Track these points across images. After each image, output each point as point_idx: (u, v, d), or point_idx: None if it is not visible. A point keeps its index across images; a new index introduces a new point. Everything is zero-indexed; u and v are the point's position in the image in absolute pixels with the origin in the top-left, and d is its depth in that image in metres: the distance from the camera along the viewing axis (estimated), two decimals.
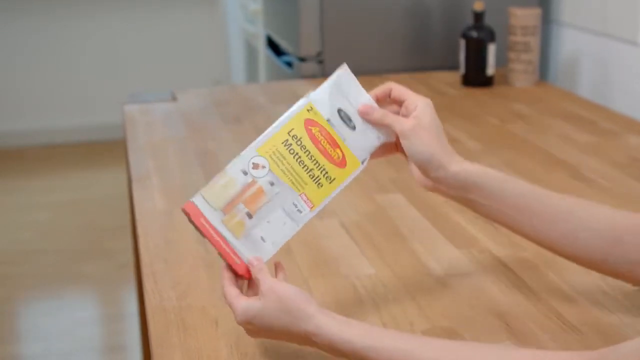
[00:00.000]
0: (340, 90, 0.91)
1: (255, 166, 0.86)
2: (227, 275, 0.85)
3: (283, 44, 2.37)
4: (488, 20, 2.01)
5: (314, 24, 2.11)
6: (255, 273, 0.84)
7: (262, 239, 0.86)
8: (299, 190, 0.87)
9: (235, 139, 1.64)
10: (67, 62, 4.56)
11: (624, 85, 1.86)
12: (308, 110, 0.89)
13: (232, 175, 0.86)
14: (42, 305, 2.86)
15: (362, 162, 0.91)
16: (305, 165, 0.87)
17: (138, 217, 1.25)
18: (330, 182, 0.89)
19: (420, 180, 0.95)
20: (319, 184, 0.88)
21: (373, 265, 1.05)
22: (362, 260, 1.07)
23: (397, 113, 0.93)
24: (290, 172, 0.87)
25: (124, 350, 2.57)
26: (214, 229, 0.85)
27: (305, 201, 0.87)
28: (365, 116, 0.92)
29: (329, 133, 0.89)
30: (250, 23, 3.24)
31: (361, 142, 0.91)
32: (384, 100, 0.94)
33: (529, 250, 1.10)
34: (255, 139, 0.88)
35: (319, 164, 0.88)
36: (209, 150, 1.57)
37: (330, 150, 0.89)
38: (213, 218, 0.85)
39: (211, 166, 1.47)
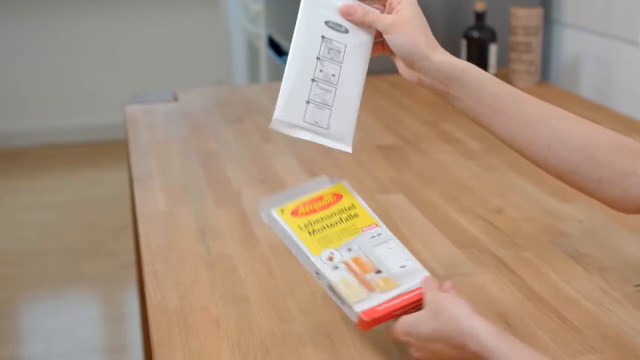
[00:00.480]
0: (318, 4, 0.94)
1: (331, 257, 0.87)
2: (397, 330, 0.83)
3: (285, 44, 2.37)
4: (489, 21, 2.01)
5: None
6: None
7: (402, 267, 0.88)
8: (357, 232, 0.90)
9: (237, 139, 1.64)
10: (70, 63, 4.57)
11: (625, 85, 1.86)
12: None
13: (334, 278, 0.85)
14: (44, 305, 2.86)
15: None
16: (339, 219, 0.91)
17: (140, 217, 1.25)
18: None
19: (405, 73, 0.94)
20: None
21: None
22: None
23: (382, 12, 0.95)
24: (345, 231, 0.90)
25: (126, 350, 2.57)
26: (388, 304, 0.84)
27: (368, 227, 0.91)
28: (347, 17, 0.94)
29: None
30: (252, 23, 3.24)
31: (358, 39, 0.94)
32: (367, 2, 0.95)
33: (529, 250, 1.10)
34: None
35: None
36: (211, 151, 1.57)
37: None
38: (377, 300, 0.84)
39: (213, 166, 1.47)
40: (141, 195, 1.34)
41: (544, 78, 2.17)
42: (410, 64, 0.92)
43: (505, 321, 0.92)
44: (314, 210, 0.90)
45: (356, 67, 0.94)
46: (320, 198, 0.92)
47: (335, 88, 0.93)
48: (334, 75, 0.93)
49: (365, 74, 0.95)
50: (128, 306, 2.79)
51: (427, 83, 0.92)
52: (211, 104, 1.93)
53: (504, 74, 2.04)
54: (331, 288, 0.84)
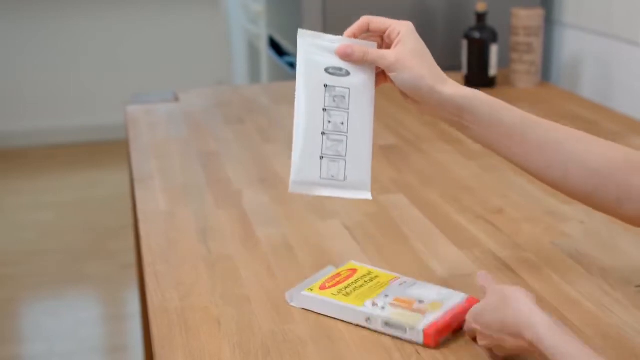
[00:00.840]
0: (314, 52, 0.92)
1: (374, 303, 0.91)
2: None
3: (285, 44, 2.37)
4: (490, 21, 2.01)
5: (317, 24, 2.11)
6: (481, 282, 0.87)
7: (439, 294, 0.92)
8: (386, 284, 0.96)
9: (238, 140, 1.64)
10: (70, 63, 4.57)
11: (626, 86, 1.86)
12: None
13: (387, 314, 0.89)
14: (44, 305, 2.87)
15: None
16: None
17: (140, 217, 1.25)
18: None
19: (413, 105, 0.93)
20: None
21: (375, 266, 1.05)
22: (364, 261, 1.07)
23: (381, 45, 0.93)
24: (375, 286, 0.95)
25: (127, 350, 2.57)
26: (445, 317, 0.88)
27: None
28: (346, 58, 0.91)
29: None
30: (253, 23, 3.24)
31: (360, 79, 0.91)
32: (363, 36, 0.93)
33: (530, 251, 1.10)
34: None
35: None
36: (212, 151, 1.57)
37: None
38: (433, 317, 0.88)
39: (213, 167, 1.47)
40: (142, 195, 1.34)
41: (545, 78, 2.17)
42: (417, 98, 0.90)
43: None
44: (339, 282, 0.95)
45: (364, 108, 0.92)
46: (339, 274, 0.97)
47: (347, 136, 0.91)
48: (342, 124, 0.91)
49: (373, 111, 0.92)
50: (129, 306, 2.79)
51: (436, 115, 0.92)
52: (212, 104, 1.94)
53: (504, 75, 2.04)
54: (387, 324, 0.88)
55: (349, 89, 0.91)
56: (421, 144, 1.59)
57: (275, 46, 2.59)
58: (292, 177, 0.91)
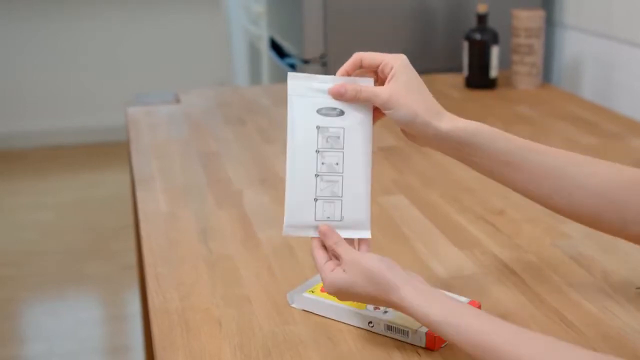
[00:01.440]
0: (305, 94, 0.90)
1: (377, 307, 0.90)
2: (316, 242, 0.88)
3: (286, 45, 2.37)
4: (491, 23, 2.02)
5: (318, 26, 2.11)
6: (332, 247, 0.86)
7: None
8: None
9: (238, 140, 1.64)
10: (71, 64, 4.57)
11: (627, 87, 1.86)
12: None
13: (390, 317, 0.89)
14: (45, 305, 2.87)
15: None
16: None
17: (141, 218, 1.25)
18: None
19: (412, 139, 0.93)
20: None
21: None
22: None
23: (375, 80, 0.91)
24: None
25: (127, 351, 2.57)
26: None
27: None
28: (339, 98, 0.89)
29: None
30: (254, 25, 3.24)
31: (356, 118, 0.89)
32: (355, 73, 0.92)
33: (531, 252, 1.10)
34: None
35: None
36: (212, 152, 1.57)
37: None
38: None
39: (214, 168, 1.47)
40: (143, 196, 1.34)
41: (546, 80, 2.17)
42: (414, 134, 0.90)
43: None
44: None
45: (360, 147, 0.89)
46: None
47: (342, 176, 0.89)
48: (337, 164, 0.89)
49: (370, 149, 0.90)
50: (129, 307, 2.79)
51: (435, 148, 0.92)
52: (213, 105, 1.94)
53: (505, 76, 2.04)
54: (390, 327, 0.88)
55: (343, 128, 0.89)
56: None
57: (276, 47, 2.59)
58: (286, 220, 0.89)
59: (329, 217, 0.88)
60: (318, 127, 0.89)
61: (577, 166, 0.90)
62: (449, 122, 0.89)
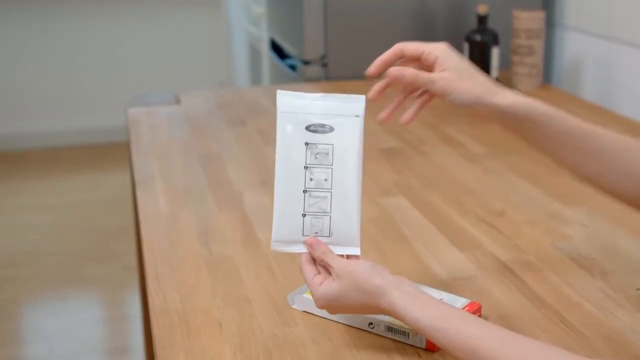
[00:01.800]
0: (295, 109, 0.91)
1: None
2: (305, 257, 0.87)
3: (287, 46, 2.37)
4: (492, 24, 2.01)
5: (318, 27, 2.11)
6: (320, 257, 0.86)
7: (440, 299, 0.91)
8: None
9: (239, 141, 1.64)
10: (71, 65, 4.57)
11: (628, 88, 1.86)
12: None
13: (390, 319, 0.88)
14: (46, 306, 2.86)
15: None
16: None
17: (142, 219, 1.25)
18: None
19: (474, 116, 0.96)
20: None
21: None
22: None
23: (419, 68, 0.94)
24: None
25: (128, 352, 2.57)
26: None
27: None
28: (398, 80, 0.92)
29: None
30: (254, 26, 3.24)
31: (346, 135, 0.89)
32: (397, 63, 0.94)
33: (532, 254, 1.10)
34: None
35: None
36: (213, 153, 1.57)
37: None
38: None
39: (215, 169, 1.47)
40: (143, 197, 1.34)
41: (546, 81, 2.17)
42: (476, 113, 0.93)
43: (507, 324, 0.92)
44: None
45: (350, 163, 0.88)
46: None
47: (331, 192, 0.88)
48: (326, 180, 0.88)
49: (360, 165, 0.89)
50: (130, 308, 2.79)
51: (499, 123, 0.94)
52: (213, 106, 1.94)
53: (506, 77, 2.04)
54: (390, 328, 0.88)
55: (332, 145, 0.89)
56: (423, 146, 1.59)
57: (276, 48, 2.59)
58: (273, 236, 0.89)
59: (317, 233, 0.88)
60: (307, 144, 0.89)
61: (627, 151, 0.92)
62: (507, 98, 0.93)
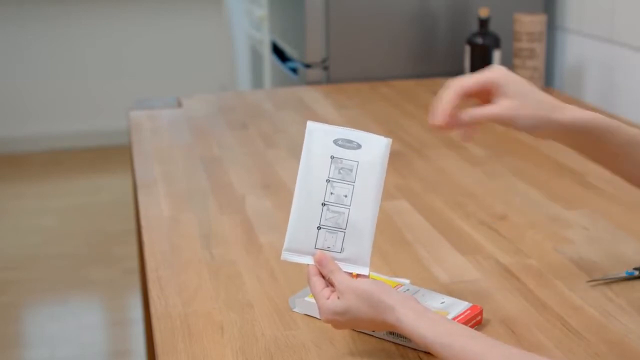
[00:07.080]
0: (324, 127, 0.90)
1: None
2: (313, 270, 0.88)
3: (288, 50, 2.37)
4: (493, 27, 2.02)
5: (320, 30, 2.11)
6: (327, 275, 0.86)
7: (442, 303, 0.93)
8: None
9: (241, 145, 1.64)
10: (73, 68, 4.58)
11: (630, 91, 1.86)
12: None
13: None
14: (48, 310, 2.87)
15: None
16: None
17: (143, 222, 1.25)
18: None
19: (535, 134, 0.95)
20: None
21: (378, 272, 1.05)
22: None
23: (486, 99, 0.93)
24: None
25: (129, 355, 2.57)
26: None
27: None
28: (475, 117, 0.92)
29: None
30: (256, 29, 3.25)
31: (372, 154, 0.89)
32: (457, 103, 0.93)
33: (534, 257, 1.10)
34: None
35: None
36: (215, 156, 1.57)
37: None
38: None
39: (216, 172, 1.47)
40: (145, 200, 1.34)
41: (548, 84, 2.17)
42: (537, 133, 0.92)
43: (509, 328, 0.92)
44: None
45: (371, 182, 0.89)
46: None
47: (349, 209, 0.88)
48: (346, 196, 0.88)
49: (381, 187, 0.89)
50: (132, 311, 2.79)
51: (557, 140, 0.94)
52: (215, 109, 1.94)
53: None
54: (392, 332, 0.87)
55: (357, 162, 0.89)
56: (425, 150, 1.59)
57: (278, 52, 2.59)
58: (285, 244, 0.89)
59: (329, 247, 0.88)
60: (332, 157, 0.89)
61: None
62: (567, 113, 0.92)
